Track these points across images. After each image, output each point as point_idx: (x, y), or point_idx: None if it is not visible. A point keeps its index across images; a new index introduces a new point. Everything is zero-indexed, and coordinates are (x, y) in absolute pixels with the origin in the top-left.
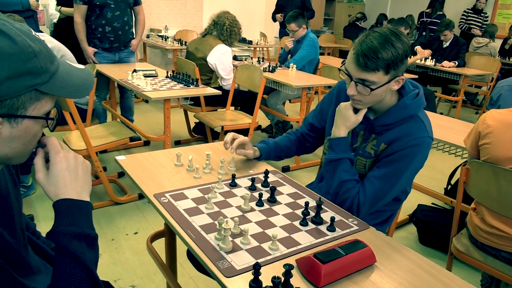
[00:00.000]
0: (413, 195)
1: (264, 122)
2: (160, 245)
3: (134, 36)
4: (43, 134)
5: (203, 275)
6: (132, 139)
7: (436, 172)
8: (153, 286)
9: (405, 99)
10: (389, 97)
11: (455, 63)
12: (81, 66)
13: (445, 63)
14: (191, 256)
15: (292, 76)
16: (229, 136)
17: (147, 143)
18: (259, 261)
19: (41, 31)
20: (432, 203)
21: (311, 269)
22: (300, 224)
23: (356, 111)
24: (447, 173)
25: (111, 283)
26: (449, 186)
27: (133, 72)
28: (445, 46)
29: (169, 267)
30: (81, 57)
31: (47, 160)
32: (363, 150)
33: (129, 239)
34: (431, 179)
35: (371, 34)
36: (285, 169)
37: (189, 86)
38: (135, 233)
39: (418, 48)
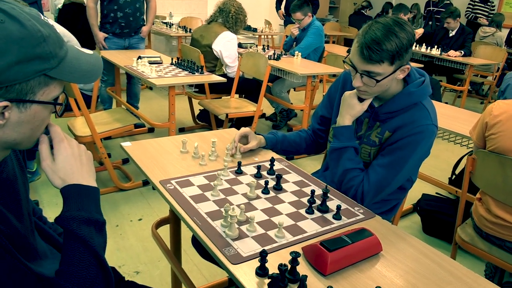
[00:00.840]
0: (417, 185)
1: (269, 110)
2: (164, 232)
3: (145, 23)
4: None
5: (207, 262)
6: (136, 125)
7: (441, 162)
8: (157, 272)
9: (410, 86)
10: (394, 85)
11: (461, 52)
12: (90, 52)
13: (451, 52)
14: (196, 243)
15: (297, 64)
16: (235, 137)
17: (151, 130)
18: (265, 248)
19: (45, 17)
20: (436, 193)
21: (318, 257)
22: (306, 212)
23: (361, 99)
24: (451, 163)
25: (116, 269)
26: (454, 176)
27: (138, 59)
28: (451, 35)
29: (174, 254)
30: (85, 43)
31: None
32: (368, 138)
33: (133, 226)
34: (436, 168)
35: (374, 25)
36: (290, 158)
37: (194, 73)
38: (139, 219)
39: (417, 31)
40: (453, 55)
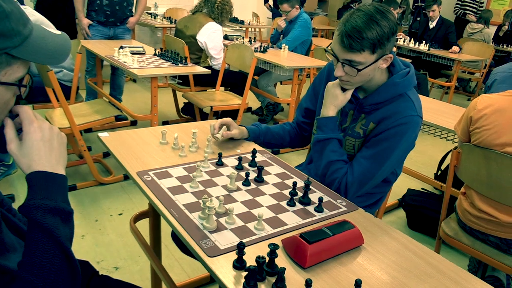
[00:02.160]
0: (403, 180)
1: (255, 104)
2: (145, 227)
3: (133, 14)
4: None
5: (188, 257)
6: (118, 118)
7: (427, 158)
8: (137, 268)
9: (395, 77)
10: (378, 75)
11: (459, 48)
12: (57, 32)
13: (455, 48)
14: (176, 237)
15: (284, 57)
16: (215, 124)
17: (134, 123)
18: (243, 241)
19: (23, 5)
20: (422, 188)
21: (297, 249)
22: (287, 204)
23: (344, 90)
24: (437, 158)
25: (91, 264)
26: (439, 172)
27: (119, 49)
28: (431, 27)
29: (153, 249)
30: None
31: (19, 131)
32: (352, 130)
33: (113, 220)
34: (422, 164)
35: (356, 13)
36: (275, 152)
37: (178, 64)
38: (120, 214)
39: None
40: (456, 50)
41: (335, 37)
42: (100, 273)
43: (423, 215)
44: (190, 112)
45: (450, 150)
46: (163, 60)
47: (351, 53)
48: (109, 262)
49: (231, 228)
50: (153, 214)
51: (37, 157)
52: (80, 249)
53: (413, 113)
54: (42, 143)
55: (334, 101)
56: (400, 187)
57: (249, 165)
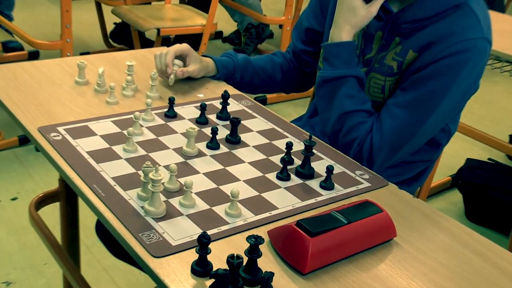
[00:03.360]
0: (459, 144)
1: (228, 26)
2: (53, 217)
3: None
4: None
5: (122, 263)
6: (8, 47)
7: (497, 111)
8: (41, 282)
9: None
10: None
11: None
12: None
13: None
14: (103, 232)
15: None
16: (167, 55)
17: (34, 55)
18: (209, 232)
19: None
20: (489, 158)
21: (293, 245)
22: (278, 177)
23: (368, 0)
24: None
25: None
26: None
27: None
28: None
29: (67, 251)
30: None
31: None
32: (381, 62)
33: (2, 209)
34: (489, 121)
35: None
36: (260, 100)
37: None
38: (14, 199)
39: None
40: None
41: None
42: None
43: (490, 198)
44: (124, 39)
45: None
46: None
47: None
48: None
49: (189, 213)
50: (65, 196)
51: None
52: None
53: (477, 35)
54: None
55: (352, 17)
56: (455, 156)
57: (218, 118)
